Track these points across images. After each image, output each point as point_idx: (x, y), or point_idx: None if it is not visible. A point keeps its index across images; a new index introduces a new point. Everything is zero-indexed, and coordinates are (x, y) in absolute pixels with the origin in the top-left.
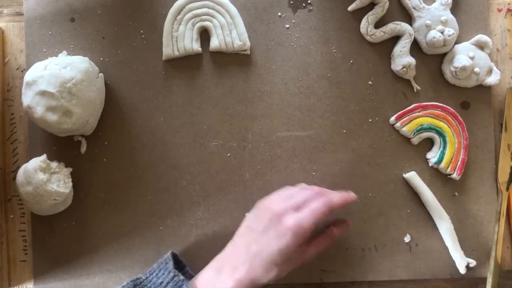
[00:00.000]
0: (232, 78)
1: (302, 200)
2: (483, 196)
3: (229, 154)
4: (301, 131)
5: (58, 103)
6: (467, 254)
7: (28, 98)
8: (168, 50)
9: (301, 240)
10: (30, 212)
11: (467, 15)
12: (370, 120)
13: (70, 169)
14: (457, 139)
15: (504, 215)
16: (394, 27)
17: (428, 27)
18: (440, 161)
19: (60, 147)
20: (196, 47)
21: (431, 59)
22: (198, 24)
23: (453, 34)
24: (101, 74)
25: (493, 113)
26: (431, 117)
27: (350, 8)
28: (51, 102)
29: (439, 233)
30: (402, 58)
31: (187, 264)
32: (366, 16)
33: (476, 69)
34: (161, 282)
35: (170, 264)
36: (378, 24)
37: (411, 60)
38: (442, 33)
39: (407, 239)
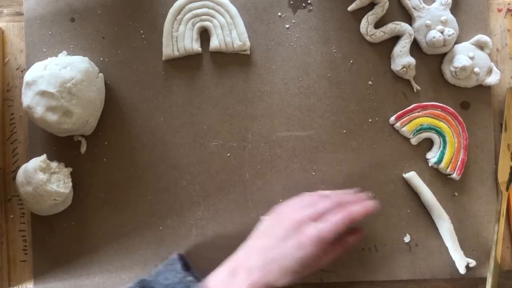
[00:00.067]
0: (232, 78)
1: (322, 210)
2: (483, 196)
3: (229, 154)
4: (301, 131)
5: (58, 103)
6: (467, 254)
7: (28, 98)
8: (168, 50)
9: (320, 250)
10: (30, 212)
11: (467, 15)
12: (370, 120)
13: (70, 169)
14: (457, 139)
15: (504, 215)
16: (394, 27)
17: (428, 27)
18: (440, 161)
19: (60, 147)
20: (196, 47)
21: (431, 59)
22: (198, 24)
23: (453, 34)
24: (101, 74)
25: (493, 113)
26: (431, 117)
27: (350, 8)
28: (51, 102)
29: (439, 233)
30: (402, 58)
31: (191, 266)
32: (366, 16)
33: (476, 69)
34: (169, 284)
35: (178, 266)
36: (378, 24)
37: (411, 60)
38: (442, 33)
39: (407, 239)
